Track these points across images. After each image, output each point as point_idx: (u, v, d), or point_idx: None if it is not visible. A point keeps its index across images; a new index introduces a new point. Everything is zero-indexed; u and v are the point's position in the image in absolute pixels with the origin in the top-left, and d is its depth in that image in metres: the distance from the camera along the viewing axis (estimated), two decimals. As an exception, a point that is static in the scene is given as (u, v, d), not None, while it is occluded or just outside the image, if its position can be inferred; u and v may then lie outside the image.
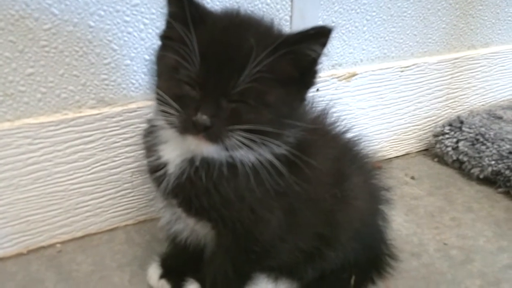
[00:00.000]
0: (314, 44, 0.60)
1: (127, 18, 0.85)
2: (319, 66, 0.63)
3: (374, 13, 1.12)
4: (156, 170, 0.69)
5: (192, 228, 0.73)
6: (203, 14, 0.61)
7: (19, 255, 0.90)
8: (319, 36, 0.60)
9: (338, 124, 0.80)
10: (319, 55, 0.61)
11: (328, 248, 0.76)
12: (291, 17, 1.00)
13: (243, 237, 0.69)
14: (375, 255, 0.86)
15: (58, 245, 0.92)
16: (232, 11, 0.65)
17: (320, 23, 1.04)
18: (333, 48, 1.09)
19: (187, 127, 0.59)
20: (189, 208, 0.68)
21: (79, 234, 0.94)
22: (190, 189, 0.65)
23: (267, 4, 0.97)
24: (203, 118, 0.57)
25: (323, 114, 0.79)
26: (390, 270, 0.87)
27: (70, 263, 0.88)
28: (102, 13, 0.83)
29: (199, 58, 0.58)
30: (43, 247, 0.92)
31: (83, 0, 0.80)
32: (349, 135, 0.82)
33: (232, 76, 0.57)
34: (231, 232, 0.68)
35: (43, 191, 0.88)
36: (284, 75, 0.60)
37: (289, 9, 1.00)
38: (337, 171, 0.75)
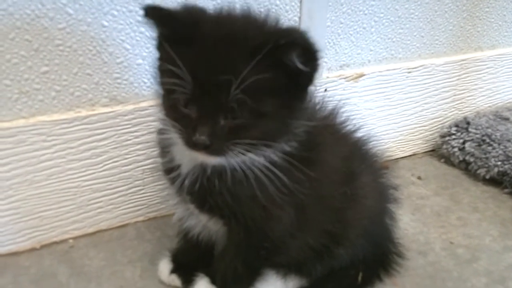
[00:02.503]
0: (289, 55, 0.57)
1: (140, 18, 0.86)
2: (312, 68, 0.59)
3: (382, 15, 1.13)
4: (170, 171, 0.71)
5: (204, 225, 0.75)
6: (190, 30, 0.59)
7: (32, 250, 0.91)
8: (291, 47, 0.56)
9: (347, 123, 0.82)
10: (302, 63, 0.58)
11: (336, 245, 0.78)
12: (300, 17, 1.01)
13: (254, 233, 0.70)
14: (382, 253, 0.87)
15: (70, 241, 0.94)
16: (222, 16, 0.63)
17: (328, 23, 1.06)
18: (341, 48, 1.10)
19: (190, 144, 0.61)
20: (202, 206, 0.70)
21: (91, 230, 0.96)
22: (203, 189, 0.67)
23: (276, 5, 0.99)
24: (201, 138, 0.59)
25: (333, 113, 0.80)
26: (397, 267, 0.87)
27: (82, 258, 0.90)
28: (116, 13, 0.84)
29: (191, 78, 0.58)
30: (56, 242, 0.93)
31: (97, 0, 0.82)
32: (358, 134, 0.83)
33: (223, 94, 0.57)
34: (243, 228, 0.69)
35: (56, 187, 0.89)
36: (275, 83, 0.59)
37: (298, 10, 1.01)
38: (347, 169, 0.77)
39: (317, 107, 0.79)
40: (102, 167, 0.92)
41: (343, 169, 0.76)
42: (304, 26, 1.02)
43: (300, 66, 0.57)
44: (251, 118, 0.59)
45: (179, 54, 0.59)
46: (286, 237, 0.71)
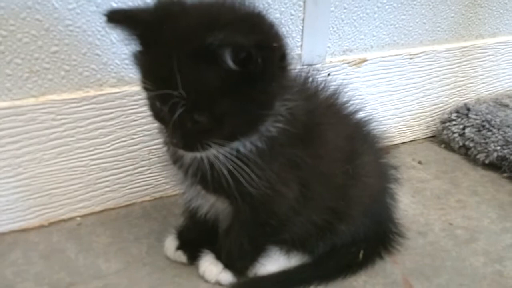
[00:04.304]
0: (221, 55, 0.54)
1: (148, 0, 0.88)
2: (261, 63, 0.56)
3: (385, 1, 1.14)
4: (175, 161, 0.74)
5: (212, 204, 0.76)
6: (151, 32, 0.58)
7: (41, 226, 0.93)
8: (220, 48, 0.53)
9: (350, 104, 0.83)
10: (237, 62, 0.55)
11: (339, 222, 0.80)
12: (304, 2, 1.03)
13: (261, 211, 0.72)
14: (383, 232, 0.89)
15: (77, 219, 0.96)
16: (183, 11, 0.60)
17: (332, 9, 1.07)
18: (345, 34, 1.12)
19: (170, 143, 0.64)
20: (208, 188, 0.72)
21: (98, 208, 0.98)
22: (206, 175, 0.68)
23: (282, -10, 1.00)
24: (174, 141, 0.62)
25: (336, 93, 0.82)
26: (397, 246, 0.90)
27: (89, 235, 0.92)
28: (125, -6, 0.86)
29: (153, 84, 0.59)
30: (64, 220, 0.95)
31: (107, -19, 0.84)
32: (360, 115, 0.85)
33: (176, 104, 0.57)
34: (249, 207, 0.71)
35: (65, 166, 0.91)
36: (226, 82, 0.56)
37: (303, -6, 1.03)
38: (349, 148, 0.79)
39: (319, 88, 0.80)
40: (109, 146, 0.94)
41: (345, 147, 0.78)
42: (308, 11, 1.03)
43: (232, 66, 0.55)
44: (211, 122, 0.59)
45: (143, 58, 0.61)
46: (290, 213, 0.73)
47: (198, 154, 0.65)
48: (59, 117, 0.87)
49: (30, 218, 0.92)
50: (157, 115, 0.64)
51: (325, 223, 0.79)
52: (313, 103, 0.76)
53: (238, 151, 0.65)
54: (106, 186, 0.97)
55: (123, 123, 0.93)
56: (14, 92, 0.84)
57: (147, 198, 1.02)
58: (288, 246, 0.82)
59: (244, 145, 0.65)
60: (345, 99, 0.83)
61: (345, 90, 0.83)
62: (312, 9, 1.04)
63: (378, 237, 0.88)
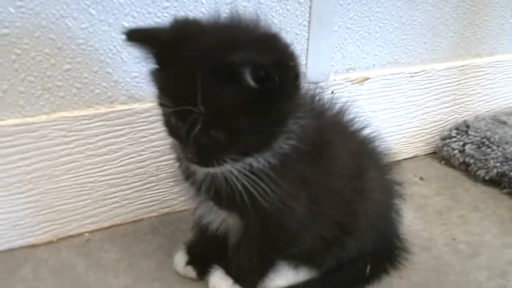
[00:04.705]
0: (241, 74, 0.56)
1: (158, 20, 0.90)
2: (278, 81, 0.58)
3: (386, 21, 1.17)
4: (187, 177, 0.75)
5: (223, 219, 0.78)
6: (169, 51, 0.60)
7: (50, 242, 0.94)
8: (241, 66, 0.55)
9: (355, 121, 0.85)
10: (256, 80, 0.57)
11: (347, 237, 0.81)
12: (309, 22, 1.05)
13: (271, 226, 0.73)
14: (388, 247, 0.91)
15: (86, 234, 0.97)
16: (200, 31, 0.62)
17: (335, 29, 1.10)
18: (348, 53, 1.14)
19: (186, 159, 0.65)
20: (220, 204, 0.73)
21: (106, 224, 0.99)
22: (219, 191, 0.70)
23: (287, 10, 1.03)
24: (189, 156, 0.63)
25: (341, 112, 0.84)
26: (402, 261, 0.91)
27: (98, 251, 0.92)
28: (136, 14, 0.88)
29: (170, 102, 0.60)
30: (72, 236, 0.96)
31: (119, 1, 0.86)
32: (365, 132, 0.87)
33: (195, 121, 0.58)
34: (260, 222, 0.72)
35: (74, 182, 0.93)
36: (244, 100, 0.58)
37: (307, 15, 1.05)
38: (356, 165, 0.80)
39: (326, 106, 0.82)
40: (118, 163, 0.95)
41: (352, 164, 0.80)
42: (313, 30, 1.06)
43: (252, 84, 0.56)
44: (228, 138, 0.60)
45: (161, 76, 0.63)
46: (300, 228, 0.75)
47: (212, 170, 0.66)
48: (70, 133, 0.89)
49: (39, 234, 0.93)
50: (172, 131, 0.66)
51: (333, 238, 0.80)
52: (321, 121, 0.78)
53: (251, 167, 0.66)
54: (115, 202, 0.98)
55: (132, 139, 0.95)
56: (27, 109, 0.85)
57: (154, 213, 1.03)
58: (297, 261, 0.83)
59: (257, 161, 0.66)
60: (350, 117, 0.85)
61: (350, 108, 0.85)
62: (317, 29, 1.06)
63: (384, 252, 0.89)
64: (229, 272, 0.80)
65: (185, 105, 0.58)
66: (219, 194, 0.70)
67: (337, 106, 0.84)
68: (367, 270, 0.86)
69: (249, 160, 0.65)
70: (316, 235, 0.78)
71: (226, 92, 0.58)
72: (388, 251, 0.90)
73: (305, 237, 0.77)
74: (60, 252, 0.92)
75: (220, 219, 0.78)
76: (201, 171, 0.70)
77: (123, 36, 0.62)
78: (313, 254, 0.82)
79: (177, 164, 0.79)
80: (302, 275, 0.84)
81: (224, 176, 0.67)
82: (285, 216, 0.72)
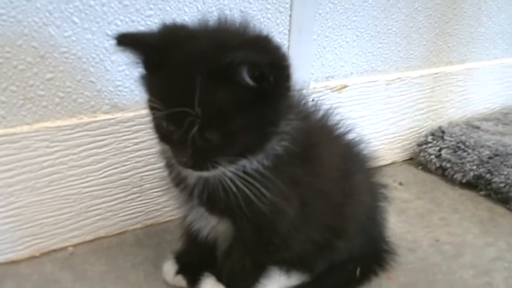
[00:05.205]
0: (238, 73, 0.57)
1: (141, 28, 0.90)
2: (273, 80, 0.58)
3: (363, 30, 1.20)
4: (178, 183, 0.74)
5: (213, 226, 0.77)
6: (160, 55, 0.60)
7: (32, 258, 0.91)
8: (238, 65, 0.56)
9: (340, 125, 0.87)
10: (254, 79, 0.57)
11: (337, 239, 0.81)
12: (289, 30, 1.07)
13: (264, 229, 0.73)
14: (376, 249, 0.92)
15: (69, 248, 0.94)
16: (190, 35, 0.62)
17: (315, 37, 1.12)
18: (327, 61, 1.16)
19: (178, 163, 0.65)
20: (212, 209, 0.73)
21: (90, 237, 0.96)
22: (212, 195, 0.69)
23: (268, 18, 1.04)
24: (183, 160, 0.63)
25: (326, 116, 0.85)
26: (390, 263, 0.92)
27: (83, 264, 0.90)
28: (119, 22, 0.87)
29: (162, 105, 0.60)
30: (55, 250, 0.93)
31: (102, 10, 0.85)
32: (350, 136, 0.88)
33: (189, 123, 0.58)
34: (252, 225, 0.72)
35: (57, 194, 0.90)
36: (239, 100, 0.59)
37: (287, 23, 1.07)
38: (343, 167, 0.81)
39: (312, 109, 0.83)
40: (101, 173, 0.94)
41: (340, 166, 0.81)
42: (293, 38, 1.07)
43: (250, 83, 0.57)
44: (223, 138, 0.60)
45: (152, 80, 0.63)
46: (292, 231, 0.75)
47: (206, 174, 0.66)
48: (52, 144, 0.87)
49: (20, 250, 0.90)
50: (163, 135, 0.65)
51: (324, 241, 0.80)
52: (308, 124, 0.78)
53: (245, 169, 0.66)
54: (98, 214, 0.96)
55: (115, 149, 0.93)
56: (8, 119, 0.83)
57: (138, 225, 1.01)
58: (288, 265, 0.83)
59: (251, 163, 0.66)
60: (334, 121, 0.86)
61: (333, 112, 0.86)
62: (296, 37, 1.08)
63: (372, 254, 0.90)
64: (220, 279, 0.79)
65: (181, 108, 0.57)
66: (212, 198, 0.70)
67: (321, 110, 0.85)
68: (357, 272, 0.86)
69: (243, 162, 0.65)
70: (307, 238, 0.78)
71: (222, 93, 0.58)
72: (376, 253, 0.91)
73: (297, 240, 0.77)
74: (44, 267, 0.89)
75: (210, 225, 0.77)
76: (193, 176, 0.70)
77: (114, 41, 0.62)
78: (304, 258, 0.82)
79: (166, 172, 0.78)
80: (294, 279, 0.84)
81: (217, 179, 0.67)
82: (277, 218, 0.72)
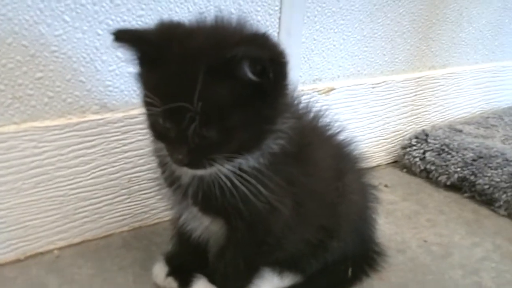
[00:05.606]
0: (240, 68, 0.57)
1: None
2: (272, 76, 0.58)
3: (349, 33, 1.21)
4: (172, 183, 0.73)
5: (206, 226, 0.76)
6: (158, 51, 0.60)
7: (17, 261, 0.89)
8: (240, 60, 0.56)
9: (331, 126, 0.87)
10: (255, 73, 0.57)
11: (330, 239, 0.82)
12: (278, 33, 1.07)
13: (257, 229, 0.73)
14: (367, 250, 0.92)
15: (55, 251, 0.92)
16: (187, 32, 0.63)
17: (303, 40, 1.13)
18: (314, 64, 1.17)
19: (174, 161, 0.64)
20: (206, 209, 0.72)
21: (76, 240, 0.95)
22: (207, 194, 0.69)
23: (258, 21, 1.04)
24: (179, 158, 0.62)
25: (317, 116, 0.86)
26: (381, 264, 0.93)
27: (70, 267, 0.88)
28: (110, 22, 0.86)
29: (160, 102, 0.59)
30: (41, 253, 0.91)
31: (93, 9, 0.84)
32: (341, 136, 0.89)
33: (187, 119, 0.58)
34: (246, 225, 0.71)
35: (43, 196, 0.88)
36: (238, 96, 0.58)
37: (277, 26, 1.07)
38: (336, 167, 0.82)
39: (304, 110, 0.84)
40: (89, 175, 0.92)
41: (333, 166, 0.81)
42: (282, 40, 1.08)
43: (252, 77, 0.57)
44: (220, 135, 0.60)
45: (149, 76, 0.62)
46: (286, 230, 0.74)
47: (202, 172, 0.65)
48: (40, 144, 0.85)
49: (4, 252, 0.88)
50: (159, 132, 0.64)
51: (317, 241, 0.80)
52: (301, 124, 0.79)
53: (241, 167, 0.66)
54: (85, 217, 0.94)
55: (104, 150, 0.92)
56: (-4, 119, 0.82)
57: (126, 228, 1.00)
58: (282, 266, 0.83)
59: (247, 161, 0.66)
60: (326, 122, 0.87)
61: (325, 113, 0.87)
62: (286, 40, 1.08)
63: (363, 255, 0.91)
64: (212, 280, 0.78)
65: (180, 103, 0.57)
66: (207, 197, 0.69)
67: (313, 111, 0.85)
68: (349, 273, 0.86)
69: (239, 160, 0.65)
70: (301, 238, 0.78)
71: (221, 89, 0.58)
72: (367, 253, 0.92)
73: (291, 240, 0.77)
74: (30, 270, 0.87)
75: (203, 226, 0.77)
76: (187, 175, 0.69)
77: (111, 36, 0.61)
78: (298, 258, 0.82)
79: (159, 171, 0.77)
80: (287, 280, 0.83)
81: (212, 177, 0.66)
82: (271, 217, 0.72)
